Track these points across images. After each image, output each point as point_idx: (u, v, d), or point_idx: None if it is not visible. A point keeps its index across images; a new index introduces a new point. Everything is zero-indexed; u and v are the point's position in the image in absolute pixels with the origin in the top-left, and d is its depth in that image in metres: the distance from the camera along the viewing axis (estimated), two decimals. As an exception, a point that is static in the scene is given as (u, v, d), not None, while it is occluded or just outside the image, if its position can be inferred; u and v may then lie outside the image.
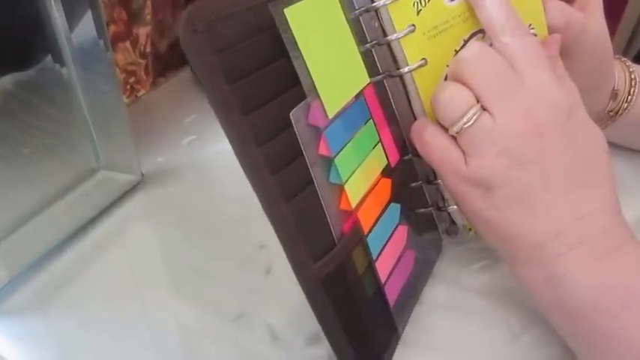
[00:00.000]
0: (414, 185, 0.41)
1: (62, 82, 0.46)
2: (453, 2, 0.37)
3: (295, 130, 0.31)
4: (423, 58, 0.37)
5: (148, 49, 0.64)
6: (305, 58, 0.30)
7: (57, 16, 0.42)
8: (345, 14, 0.34)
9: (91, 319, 0.41)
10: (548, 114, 0.33)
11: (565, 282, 0.33)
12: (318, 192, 0.32)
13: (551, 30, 0.41)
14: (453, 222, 0.43)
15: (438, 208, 0.42)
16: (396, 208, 0.39)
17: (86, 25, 0.43)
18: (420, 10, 0.36)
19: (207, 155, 0.57)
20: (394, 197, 0.38)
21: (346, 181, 0.34)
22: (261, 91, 0.30)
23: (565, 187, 0.33)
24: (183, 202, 0.52)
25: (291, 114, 0.30)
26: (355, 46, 0.35)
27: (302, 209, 0.31)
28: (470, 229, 0.42)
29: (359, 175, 0.35)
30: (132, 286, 0.44)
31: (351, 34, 0.35)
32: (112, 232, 0.48)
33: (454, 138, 0.35)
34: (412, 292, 0.40)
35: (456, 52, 0.38)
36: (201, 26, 0.27)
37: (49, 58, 0.44)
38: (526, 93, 0.33)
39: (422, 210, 0.42)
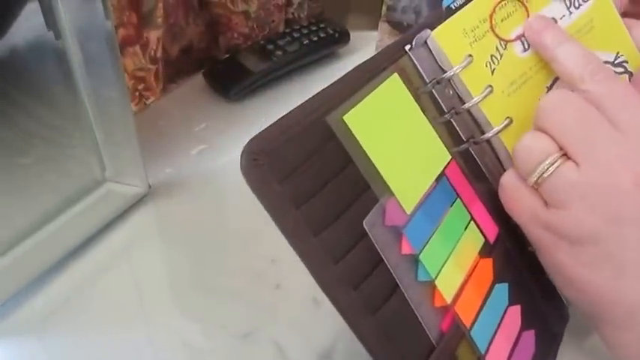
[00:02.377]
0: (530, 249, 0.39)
1: (67, 88, 0.45)
2: (526, 53, 0.36)
3: (371, 237, 0.30)
4: (508, 117, 0.36)
5: (159, 54, 0.63)
6: (373, 159, 0.30)
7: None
8: (411, 93, 0.33)
9: (94, 337, 0.41)
10: None
11: None
12: (406, 295, 0.31)
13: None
14: None
15: None
16: (503, 288, 0.36)
17: (95, 28, 0.42)
18: (494, 69, 0.36)
19: (218, 166, 0.56)
20: (499, 277, 0.36)
21: (437, 277, 0.32)
22: (332, 207, 0.30)
23: None
24: (191, 215, 0.51)
25: (364, 222, 0.30)
26: (429, 126, 0.34)
27: (391, 318, 0.31)
28: None
29: (452, 265, 0.33)
30: (137, 303, 0.43)
31: (422, 116, 0.34)
32: (117, 247, 0.48)
33: (535, 190, 0.33)
34: None
35: None
36: (262, 158, 0.27)
37: (54, 65, 0.43)
38: (620, 139, 0.30)
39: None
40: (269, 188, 0.28)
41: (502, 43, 0.36)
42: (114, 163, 0.50)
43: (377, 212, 0.30)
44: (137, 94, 0.62)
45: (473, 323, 0.33)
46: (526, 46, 0.36)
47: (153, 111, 0.64)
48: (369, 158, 0.30)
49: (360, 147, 0.30)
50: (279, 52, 0.67)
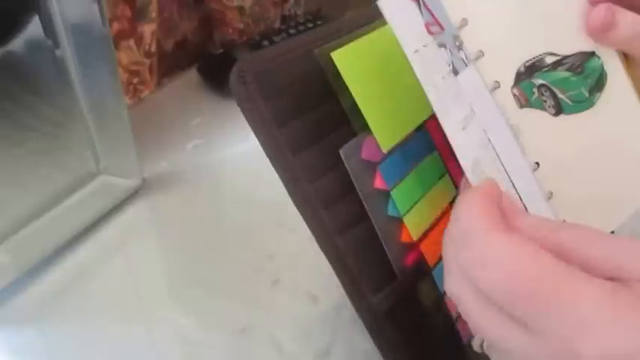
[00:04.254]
0: None
1: (61, 81, 0.45)
2: None
3: (346, 165, 0.32)
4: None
5: (153, 49, 0.62)
6: (356, 97, 0.31)
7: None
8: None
9: (89, 330, 0.41)
10: None
11: None
12: (375, 225, 0.32)
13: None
14: None
15: None
16: None
17: (88, 22, 0.42)
18: None
19: (213, 160, 0.56)
20: None
21: (405, 214, 0.33)
22: (312, 131, 0.32)
23: None
24: (186, 209, 0.51)
25: (340, 150, 0.32)
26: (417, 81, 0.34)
27: (357, 243, 0.32)
28: None
29: (422, 207, 0.35)
30: (132, 298, 0.43)
31: (411, 69, 0.34)
32: (112, 240, 0.48)
33: None
34: None
35: None
36: (249, 77, 0.30)
37: (48, 58, 0.43)
38: None
39: None
40: (253, 105, 0.30)
41: None
42: (108, 156, 0.50)
43: (354, 144, 0.32)
44: (132, 87, 0.62)
45: (436, 264, 0.34)
46: None
47: (147, 105, 0.64)
48: (352, 95, 0.31)
49: (344, 84, 0.31)
50: (274, 49, 0.67)
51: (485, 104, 0.34)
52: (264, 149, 0.30)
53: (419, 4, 0.31)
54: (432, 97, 0.30)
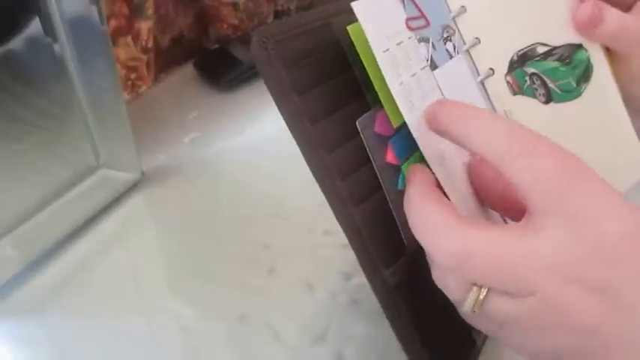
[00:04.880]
0: None
1: (61, 77, 0.45)
2: None
3: (362, 137, 0.32)
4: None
5: (150, 45, 0.63)
6: (369, 72, 0.31)
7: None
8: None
9: (90, 321, 0.41)
10: None
11: None
12: (387, 198, 0.32)
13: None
14: None
15: None
16: None
17: (87, 19, 0.43)
18: None
19: (210, 153, 0.57)
20: None
21: None
22: (330, 102, 0.31)
23: None
24: (184, 201, 0.52)
25: (357, 122, 0.32)
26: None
27: (372, 214, 0.32)
28: None
29: None
30: (132, 289, 0.43)
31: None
32: (112, 232, 0.48)
33: None
34: None
35: None
36: (271, 44, 0.29)
37: (47, 55, 0.43)
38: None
39: None
40: (274, 71, 0.30)
41: None
42: (108, 150, 0.51)
43: (369, 116, 0.32)
44: (129, 83, 0.62)
45: None
46: None
47: (145, 100, 0.64)
48: (366, 69, 0.31)
49: (359, 57, 0.31)
50: (268, 43, 0.67)
51: (471, 93, 0.35)
52: (284, 116, 0.30)
53: (403, 1, 0.32)
54: (397, 95, 0.31)
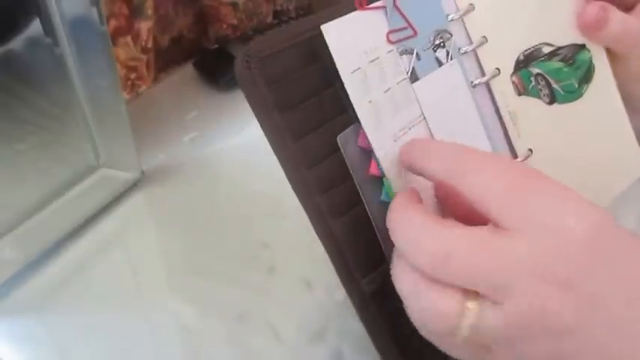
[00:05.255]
0: None
1: (61, 77, 0.45)
2: None
3: (343, 152, 0.32)
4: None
5: (150, 45, 0.63)
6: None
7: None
8: None
9: (90, 320, 0.41)
10: None
11: None
12: (368, 211, 0.33)
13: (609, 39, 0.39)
14: None
15: None
16: None
17: (86, 19, 0.43)
18: None
19: (209, 153, 0.57)
20: None
21: None
22: (312, 118, 0.32)
23: None
24: (184, 200, 0.52)
25: (337, 138, 0.32)
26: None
27: (350, 227, 0.33)
28: None
29: None
30: (131, 287, 0.44)
31: None
32: (112, 232, 0.48)
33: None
34: None
35: None
36: (254, 63, 0.30)
37: (47, 55, 0.43)
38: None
39: None
40: (257, 90, 0.30)
41: None
42: (107, 149, 0.51)
43: (351, 131, 0.32)
44: (129, 83, 0.62)
45: None
46: None
47: (145, 99, 0.64)
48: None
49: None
50: (267, 43, 0.67)
51: (460, 100, 0.35)
52: (266, 134, 0.30)
53: (386, 13, 0.32)
54: (362, 115, 0.31)
